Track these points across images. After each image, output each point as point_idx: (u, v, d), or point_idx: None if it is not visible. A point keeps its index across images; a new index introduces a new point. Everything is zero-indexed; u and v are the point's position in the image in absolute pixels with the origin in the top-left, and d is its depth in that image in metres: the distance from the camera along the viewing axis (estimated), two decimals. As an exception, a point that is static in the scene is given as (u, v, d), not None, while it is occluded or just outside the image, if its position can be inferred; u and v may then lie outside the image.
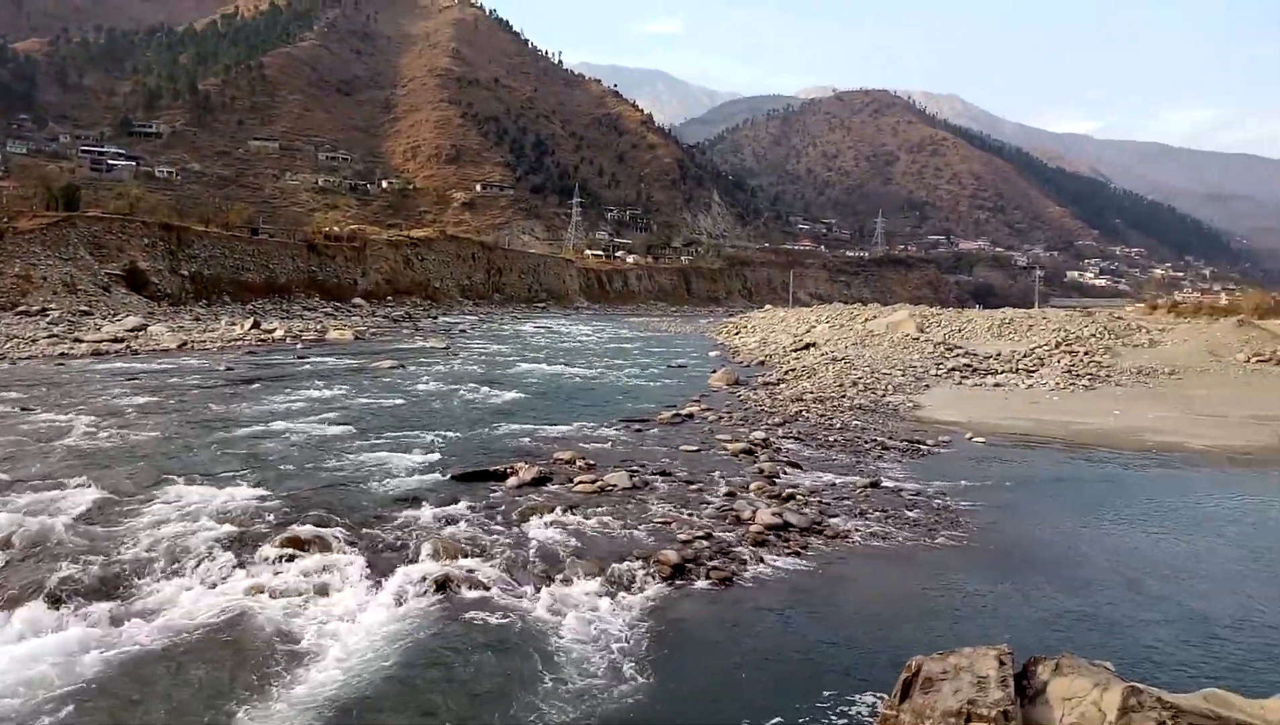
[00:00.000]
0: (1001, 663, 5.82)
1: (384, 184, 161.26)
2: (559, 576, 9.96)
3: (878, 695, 7.15)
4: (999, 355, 35.70)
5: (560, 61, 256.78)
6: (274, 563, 9.88)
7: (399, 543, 10.75)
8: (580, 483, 14.00)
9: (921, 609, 9.86)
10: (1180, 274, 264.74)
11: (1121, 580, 10.91)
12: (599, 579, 9.89)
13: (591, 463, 15.64)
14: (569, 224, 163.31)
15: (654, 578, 10.06)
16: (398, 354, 37.04)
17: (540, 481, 14.09)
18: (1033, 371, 32.11)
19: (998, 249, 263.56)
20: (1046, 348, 36.57)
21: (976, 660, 5.85)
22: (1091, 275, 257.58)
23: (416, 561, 10.09)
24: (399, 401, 23.02)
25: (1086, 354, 34.85)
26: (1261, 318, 55.66)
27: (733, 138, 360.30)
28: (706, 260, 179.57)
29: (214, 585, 9.33)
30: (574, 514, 12.29)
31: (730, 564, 10.71)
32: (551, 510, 12.36)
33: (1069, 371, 31.62)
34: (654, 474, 15.12)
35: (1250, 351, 34.45)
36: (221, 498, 12.31)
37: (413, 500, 12.70)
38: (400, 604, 9.11)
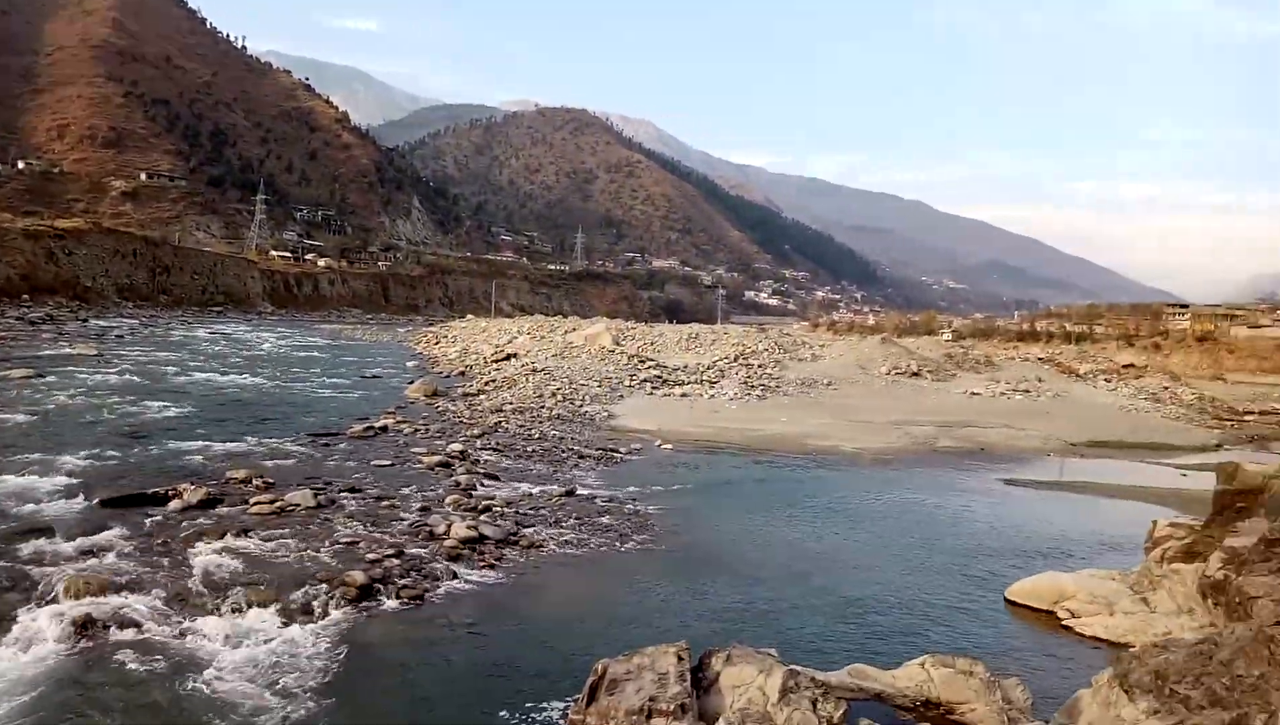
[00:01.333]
0: (680, 658, 6.16)
1: (20, 165, 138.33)
2: (229, 607, 9.06)
3: (569, 700, 7.23)
4: (686, 367, 38.19)
5: (244, 47, 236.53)
6: None
7: (29, 580, 9.19)
8: (257, 503, 12.86)
9: (612, 612, 10.19)
10: (838, 296, 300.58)
11: (787, 572, 12.04)
12: (276, 607, 9.12)
13: (270, 481, 14.45)
14: (252, 222, 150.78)
15: (339, 601, 9.47)
16: (35, 362, 31.89)
17: (209, 504, 12.75)
18: (715, 382, 34.71)
19: (686, 268, 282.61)
20: (727, 361, 39.73)
21: (658, 658, 6.14)
22: (766, 295, 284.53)
23: (51, 601, 8.70)
24: (33, 417, 19.77)
25: (760, 367, 38.35)
26: (900, 336, 65.07)
27: (434, 144, 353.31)
28: (406, 267, 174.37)
29: None
30: (249, 538, 11.26)
31: (423, 581, 10.37)
32: (222, 535, 11.23)
33: (746, 383, 34.59)
34: (342, 491, 14.30)
35: (891, 365, 39.96)
36: None
37: (48, 531, 10.92)
38: (27, 651, 7.81)
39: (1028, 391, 36.67)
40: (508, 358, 42.35)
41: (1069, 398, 36.32)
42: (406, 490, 14.78)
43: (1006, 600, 11.17)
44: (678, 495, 16.48)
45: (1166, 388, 43.37)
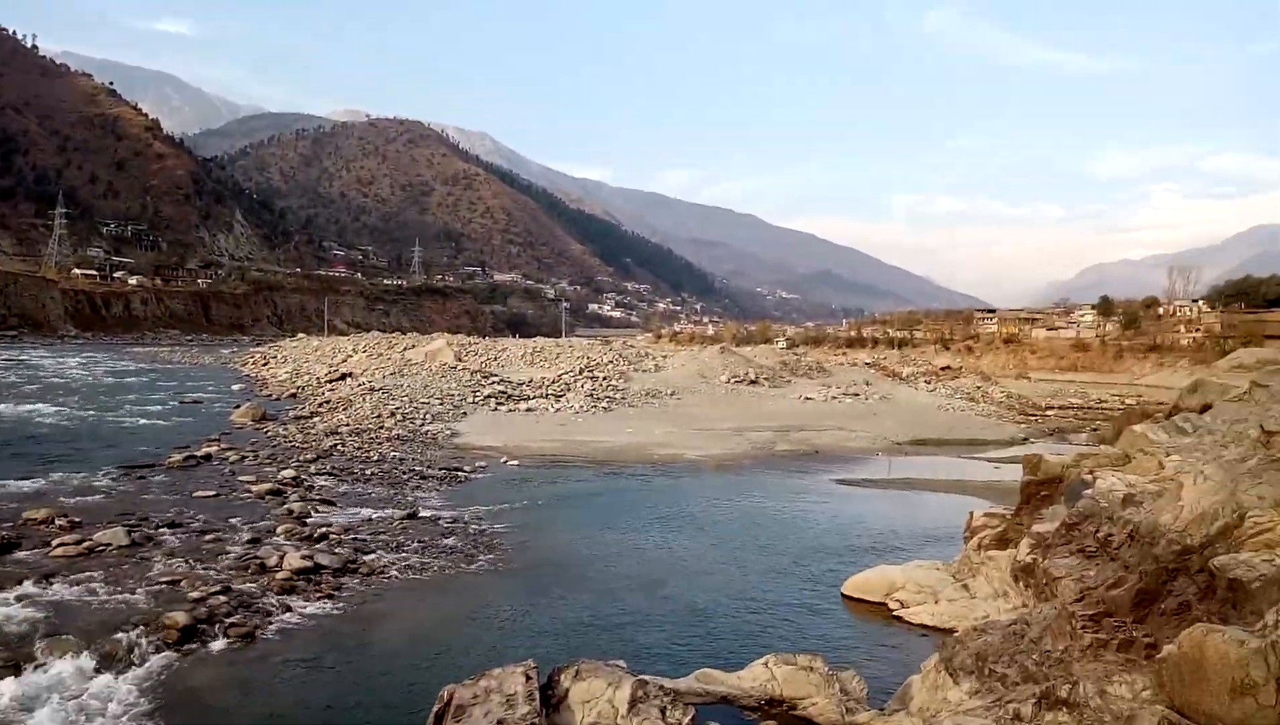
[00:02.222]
0: (528, 677, 6.05)
1: None
2: (31, 661, 8.19)
3: (416, 732, 6.98)
4: (531, 382, 37.91)
5: (35, 46, 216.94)
6: None
7: None
8: (61, 545, 11.72)
9: (459, 636, 9.92)
10: (678, 308, 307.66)
11: (635, 582, 12.12)
12: (86, 656, 8.33)
13: (76, 520, 13.21)
14: (50, 238, 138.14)
15: (158, 645, 8.76)
16: None
17: (3, 549, 11.51)
18: (561, 396, 34.66)
19: (529, 282, 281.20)
20: (572, 374, 39.75)
21: (506, 679, 6.01)
22: (609, 307, 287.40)
23: None
24: None
25: (606, 379, 38.61)
26: (738, 345, 67.24)
27: (258, 154, 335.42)
28: (229, 284, 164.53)
29: None
30: (52, 583, 10.25)
31: (253, 618, 9.75)
32: (19, 582, 10.16)
33: (592, 395, 34.73)
34: (160, 527, 13.26)
35: (730, 373, 41.15)
36: None
37: None
38: None
39: (857, 395, 38.69)
40: (343, 377, 40.72)
41: (894, 399, 38.59)
42: (234, 521, 13.89)
43: (843, 595, 11.69)
44: (525, 511, 16.30)
45: (979, 387, 46.92)
